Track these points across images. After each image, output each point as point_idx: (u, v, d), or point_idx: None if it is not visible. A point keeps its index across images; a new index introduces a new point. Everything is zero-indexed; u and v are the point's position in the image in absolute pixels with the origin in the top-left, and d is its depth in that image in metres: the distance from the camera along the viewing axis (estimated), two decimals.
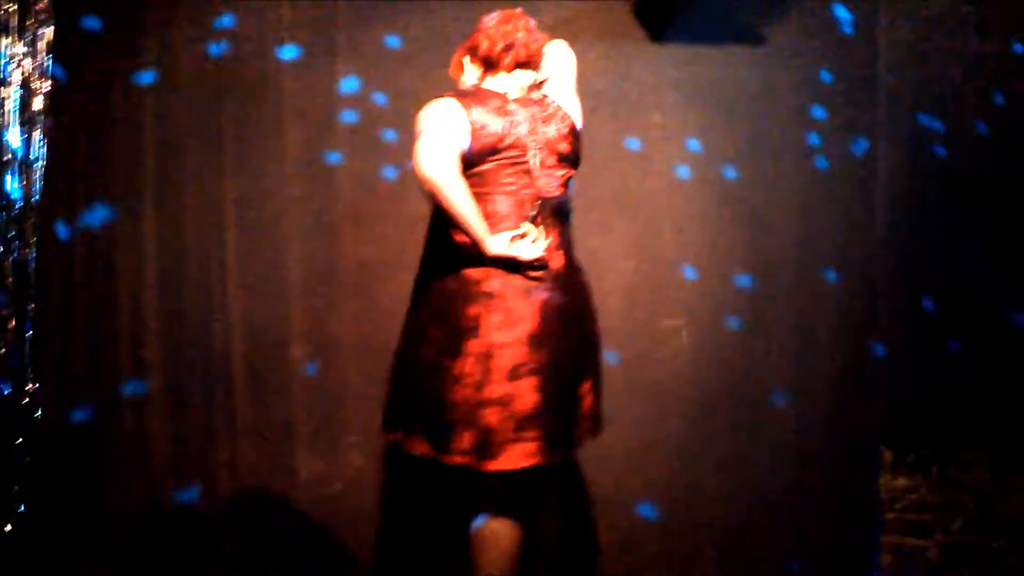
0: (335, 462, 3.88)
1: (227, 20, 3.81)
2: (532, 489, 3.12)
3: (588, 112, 3.26)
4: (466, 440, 2.97)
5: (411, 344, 3.12)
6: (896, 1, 3.93)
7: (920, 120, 3.93)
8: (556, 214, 3.10)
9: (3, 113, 3.38)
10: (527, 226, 3.02)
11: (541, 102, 3.13)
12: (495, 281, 3.00)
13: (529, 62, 3.12)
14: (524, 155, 3.04)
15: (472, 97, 3.03)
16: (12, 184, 3.41)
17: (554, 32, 3.28)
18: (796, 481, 3.92)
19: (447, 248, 3.02)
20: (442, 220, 2.99)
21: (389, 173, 3.85)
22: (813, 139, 3.91)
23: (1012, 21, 3.92)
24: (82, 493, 3.78)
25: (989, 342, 3.94)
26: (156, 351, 3.82)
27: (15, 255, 3.45)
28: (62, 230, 3.76)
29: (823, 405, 3.93)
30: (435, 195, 2.90)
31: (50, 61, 3.43)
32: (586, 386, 3.16)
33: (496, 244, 2.98)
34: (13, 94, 3.39)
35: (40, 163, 3.45)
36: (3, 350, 3.47)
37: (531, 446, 2.98)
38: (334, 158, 3.86)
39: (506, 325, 2.98)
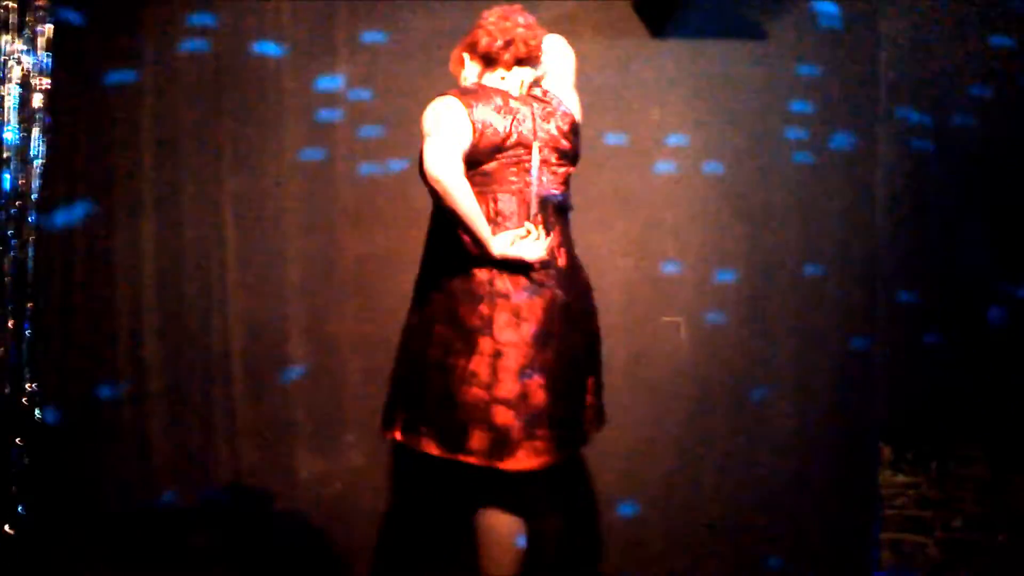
0: (335, 462, 3.87)
1: (227, 18, 3.80)
2: (537, 487, 3.12)
3: (587, 108, 3.27)
4: (478, 440, 2.97)
5: (416, 344, 3.11)
6: None
7: (919, 117, 3.94)
8: (557, 212, 3.10)
9: (2, 111, 3.36)
10: (529, 225, 3.02)
11: (541, 99, 3.13)
12: (502, 280, 3.00)
13: (529, 58, 3.12)
14: (528, 153, 3.04)
15: (475, 95, 3.03)
16: (10, 182, 3.39)
17: (554, 28, 3.28)
18: (796, 477, 3.93)
19: (452, 248, 3.01)
20: (446, 220, 2.99)
21: (388, 170, 3.85)
22: (812, 136, 3.92)
23: (1010, 16, 3.94)
24: (82, 493, 3.77)
25: (988, 339, 3.95)
26: (156, 351, 3.82)
27: (13, 254, 3.43)
28: (61, 229, 3.76)
29: (822, 402, 3.94)
30: (442, 196, 2.89)
31: (49, 58, 3.42)
32: (590, 382, 3.17)
33: (500, 245, 2.98)
34: (12, 91, 3.38)
35: (39, 161, 3.44)
36: (1, 350, 3.45)
37: (541, 444, 2.99)
38: (333, 156, 3.85)
39: (514, 324, 2.98)
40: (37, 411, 3.51)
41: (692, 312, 3.93)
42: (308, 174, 3.85)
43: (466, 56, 3.15)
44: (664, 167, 3.91)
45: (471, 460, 2.99)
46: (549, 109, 3.11)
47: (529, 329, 2.99)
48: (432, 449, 3.04)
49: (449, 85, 3.14)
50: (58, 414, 3.73)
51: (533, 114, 3.08)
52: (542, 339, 3.00)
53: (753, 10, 3.90)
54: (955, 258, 3.95)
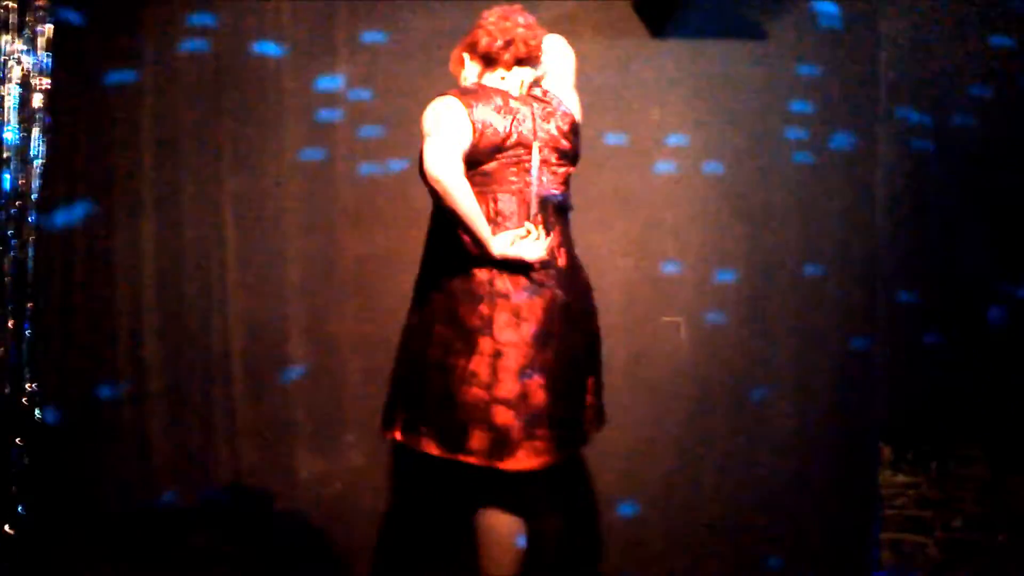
0: (335, 462, 3.87)
1: (227, 18, 3.80)
2: (537, 487, 3.12)
3: (587, 108, 3.27)
4: (478, 440, 2.97)
5: (416, 344, 3.11)
6: None
7: (919, 117, 3.93)
8: (557, 212, 3.10)
9: (2, 111, 3.36)
10: (529, 225, 3.02)
11: (541, 99, 3.13)
12: (502, 280, 3.00)
13: (529, 58, 3.12)
14: (528, 153, 3.04)
15: (475, 95, 3.03)
16: (10, 182, 3.39)
17: (554, 28, 3.28)
18: (796, 477, 3.92)
19: (452, 248, 3.01)
20: (446, 220, 2.99)
21: (388, 170, 3.84)
22: (812, 136, 3.92)
23: (1010, 16, 3.93)
24: (82, 493, 3.77)
25: (988, 339, 3.95)
26: (156, 351, 3.81)
27: (13, 254, 3.43)
28: (61, 229, 3.75)
29: (822, 402, 3.94)
30: (442, 196, 2.89)
31: (49, 58, 3.42)
32: (590, 382, 3.17)
33: (500, 245, 2.98)
34: (12, 91, 3.38)
35: (39, 161, 3.44)
36: (1, 350, 3.45)
37: (541, 444, 2.99)
38: (333, 156, 3.85)
39: (514, 324, 2.98)
40: (37, 411, 3.51)
41: (692, 312, 3.92)
42: (308, 174, 3.85)
43: (466, 56, 3.15)
44: (664, 167, 3.91)
45: (471, 460, 2.99)
46: (549, 109, 3.11)
47: (529, 329, 2.99)
48: (432, 449, 3.04)
49: (449, 85, 3.14)
50: (58, 414, 3.73)
51: (533, 114, 3.08)
52: (542, 339, 3.00)
53: (753, 10, 3.90)
54: (955, 258, 3.95)
